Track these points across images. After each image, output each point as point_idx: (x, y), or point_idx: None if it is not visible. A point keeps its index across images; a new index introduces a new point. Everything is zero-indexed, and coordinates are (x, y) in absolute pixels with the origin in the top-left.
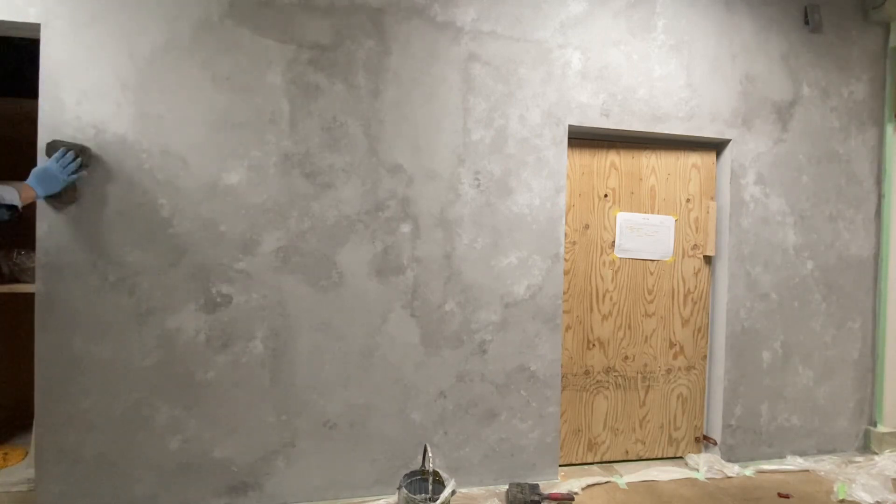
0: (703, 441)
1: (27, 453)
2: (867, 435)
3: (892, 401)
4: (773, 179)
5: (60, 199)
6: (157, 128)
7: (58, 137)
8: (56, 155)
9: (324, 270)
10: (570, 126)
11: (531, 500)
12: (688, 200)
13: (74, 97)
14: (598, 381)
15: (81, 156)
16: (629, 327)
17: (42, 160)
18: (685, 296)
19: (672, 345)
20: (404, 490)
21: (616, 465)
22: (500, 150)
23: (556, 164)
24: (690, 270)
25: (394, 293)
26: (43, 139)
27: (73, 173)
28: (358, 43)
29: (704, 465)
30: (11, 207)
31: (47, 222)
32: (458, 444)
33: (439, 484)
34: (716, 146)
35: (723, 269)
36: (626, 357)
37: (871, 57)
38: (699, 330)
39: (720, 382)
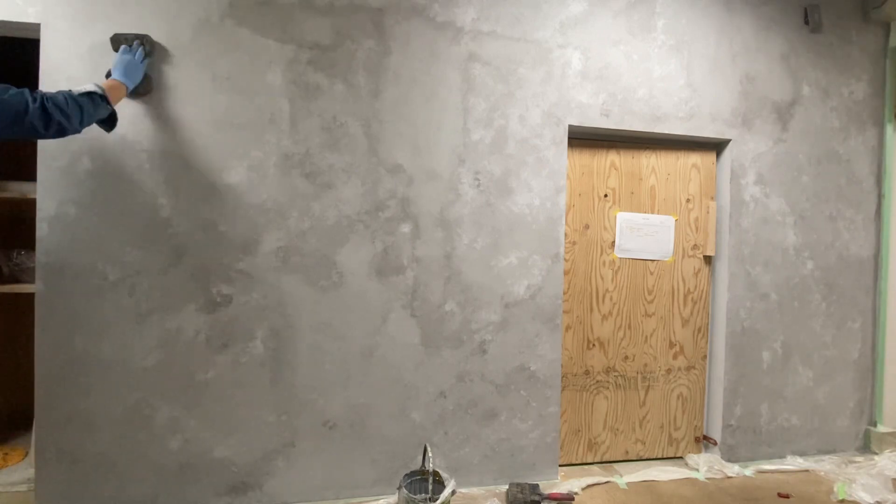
0: (703, 441)
1: (27, 453)
2: (867, 435)
3: (892, 401)
4: (773, 179)
5: (139, 91)
6: (157, 128)
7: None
8: (125, 47)
9: (324, 270)
10: (570, 126)
11: (531, 500)
12: (688, 200)
13: None
14: (598, 381)
15: (145, 43)
16: (629, 327)
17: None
18: (685, 296)
19: (672, 345)
20: (404, 490)
21: (616, 465)
22: (500, 150)
23: (556, 164)
24: (690, 270)
25: (394, 293)
26: (43, 139)
27: (142, 60)
28: (358, 43)
29: (704, 465)
30: (110, 118)
31: (47, 222)
32: (458, 444)
33: (439, 484)
34: (716, 146)
35: (723, 269)
36: (626, 357)
37: (871, 57)
38: (699, 330)
39: (720, 382)
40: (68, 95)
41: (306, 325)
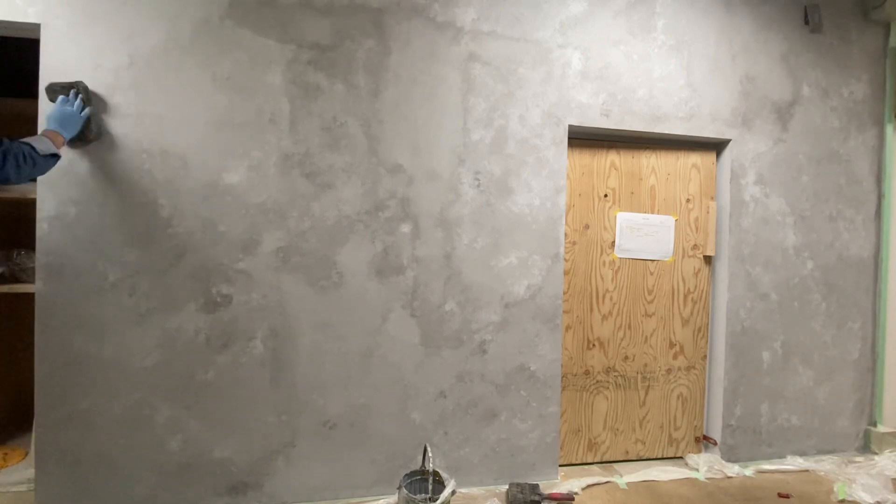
0: (703, 441)
1: (27, 453)
2: (867, 435)
3: (892, 401)
4: (773, 179)
5: (84, 139)
6: (157, 128)
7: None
8: (63, 97)
9: (324, 270)
10: (570, 126)
11: (531, 500)
12: (688, 200)
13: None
14: (598, 381)
15: (81, 92)
16: (629, 327)
17: (47, 107)
18: (685, 296)
19: (672, 345)
20: (404, 490)
21: (616, 465)
22: (500, 150)
23: (556, 164)
24: (690, 270)
25: (394, 293)
26: None
27: (82, 110)
28: (358, 43)
29: (704, 465)
30: (55, 156)
31: (47, 222)
32: (458, 444)
33: (439, 484)
34: (716, 146)
35: (723, 269)
36: (626, 357)
37: (871, 57)
38: (699, 330)
39: (720, 382)
40: (32, 153)
41: (306, 325)
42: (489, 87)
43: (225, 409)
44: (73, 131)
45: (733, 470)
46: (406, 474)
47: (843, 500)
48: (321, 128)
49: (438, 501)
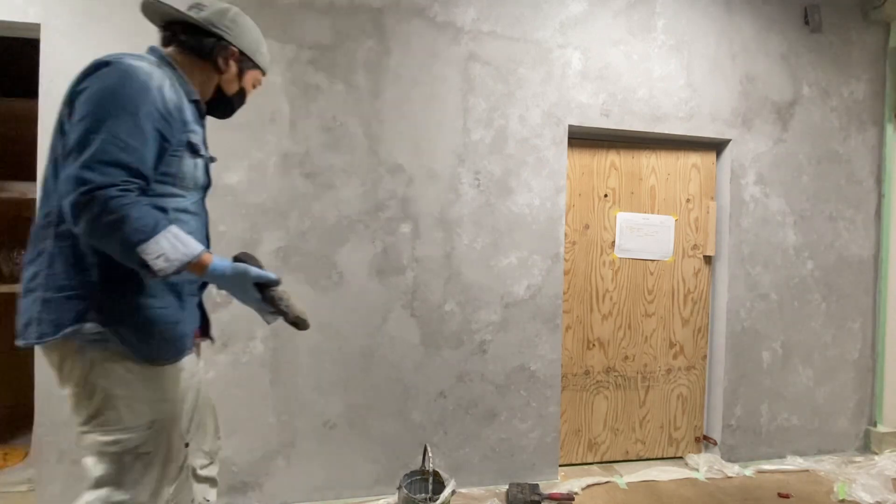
0: (703, 441)
1: (27, 453)
2: (867, 435)
3: (892, 401)
4: (773, 179)
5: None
6: None
7: None
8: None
9: (324, 270)
10: (570, 126)
11: (531, 500)
12: (688, 200)
13: None
14: (598, 381)
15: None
16: (629, 327)
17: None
18: (685, 296)
19: (672, 345)
20: (404, 490)
21: (616, 465)
22: (500, 150)
23: (556, 164)
24: (690, 270)
25: (394, 293)
26: (43, 139)
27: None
28: (358, 43)
29: (704, 465)
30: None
31: None
32: (458, 444)
33: (439, 484)
34: (716, 146)
35: (723, 269)
36: (626, 357)
37: (871, 57)
38: (699, 330)
39: (720, 382)
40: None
41: None
42: (489, 87)
43: (225, 409)
44: (231, 288)
45: (733, 470)
46: (406, 474)
47: (843, 500)
48: (321, 128)
49: (438, 501)
